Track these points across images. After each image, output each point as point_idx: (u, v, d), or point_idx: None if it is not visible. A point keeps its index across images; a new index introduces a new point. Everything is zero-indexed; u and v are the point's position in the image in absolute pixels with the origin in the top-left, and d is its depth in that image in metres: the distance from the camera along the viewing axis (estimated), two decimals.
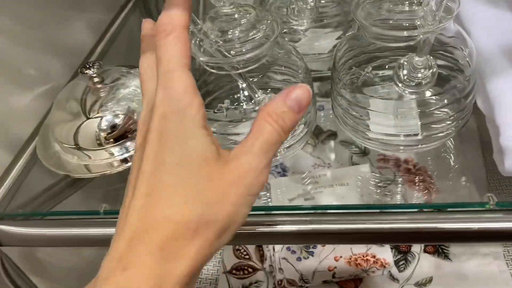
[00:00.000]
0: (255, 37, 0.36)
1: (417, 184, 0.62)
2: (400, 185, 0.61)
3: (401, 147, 0.41)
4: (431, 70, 0.38)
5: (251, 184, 0.24)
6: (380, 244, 0.52)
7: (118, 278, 0.21)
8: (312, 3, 0.52)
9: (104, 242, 0.24)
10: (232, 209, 0.23)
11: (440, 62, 0.39)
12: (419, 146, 0.40)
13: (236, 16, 0.37)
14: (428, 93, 0.39)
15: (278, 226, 0.39)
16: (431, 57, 0.38)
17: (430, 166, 0.63)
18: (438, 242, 0.54)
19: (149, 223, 0.22)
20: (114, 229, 0.24)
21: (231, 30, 0.36)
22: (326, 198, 0.60)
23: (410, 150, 0.41)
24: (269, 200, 0.61)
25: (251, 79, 0.38)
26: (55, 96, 0.49)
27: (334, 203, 0.61)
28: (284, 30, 0.52)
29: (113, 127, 0.44)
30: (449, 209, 0.38)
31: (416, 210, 0.48)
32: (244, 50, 0.36)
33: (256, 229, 0.39)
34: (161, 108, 0.24)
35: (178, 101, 0.24)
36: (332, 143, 0.70)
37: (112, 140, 0.44)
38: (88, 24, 0.65)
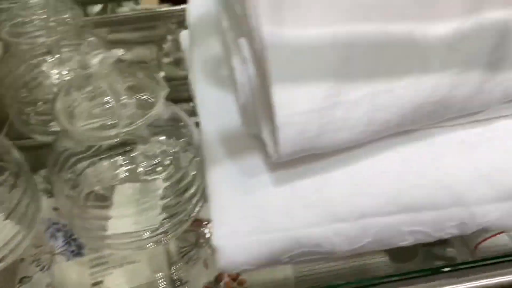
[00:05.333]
0: None
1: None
2: (202, 247, 0.59)
3: (149, 244, 0.39)
4: (161, 157, 0.37)
5: None
6: None
7: None
8: None
9: None
10: None
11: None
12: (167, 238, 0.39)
13: None
14: (160, 182, 0.38)
15: None
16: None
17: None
18: None
19: None
20: None
21: None
22: (116, 279, 0.56)
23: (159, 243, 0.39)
24: None
25: None
26: None
27: (124, 284, 0.57)
28: None
29: None
30: None
31: None
32: None
33: None
34: None
35: None
36: None
37: None
38: None
